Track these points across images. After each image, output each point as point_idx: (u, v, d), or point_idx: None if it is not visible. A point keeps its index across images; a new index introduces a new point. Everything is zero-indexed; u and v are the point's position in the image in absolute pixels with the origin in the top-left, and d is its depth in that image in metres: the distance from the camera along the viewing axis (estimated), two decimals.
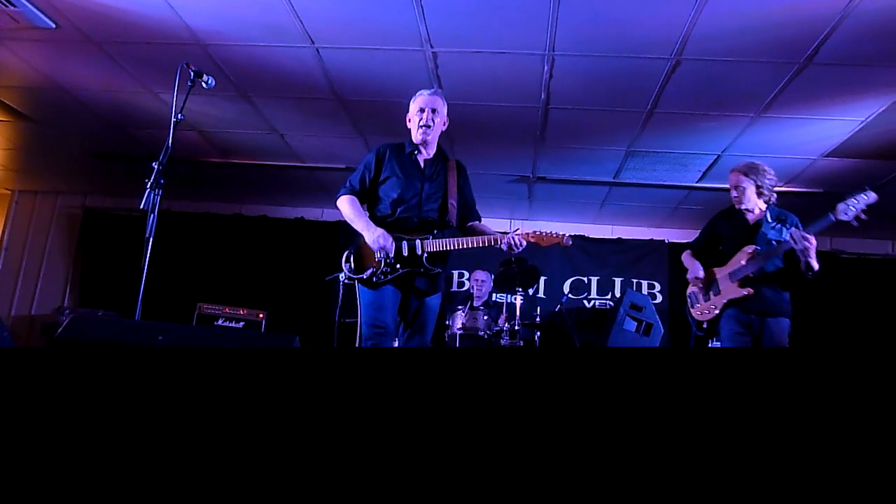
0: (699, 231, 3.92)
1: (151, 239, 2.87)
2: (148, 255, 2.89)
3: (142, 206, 2.85)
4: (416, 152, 3.08)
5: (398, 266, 2.96)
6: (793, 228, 3.33)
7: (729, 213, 3.72)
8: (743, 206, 3.58)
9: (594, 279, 7.36)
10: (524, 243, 2.93)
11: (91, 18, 3.99)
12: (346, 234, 7.46)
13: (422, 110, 3.04)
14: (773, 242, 3.49)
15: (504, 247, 2.93)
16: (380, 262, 2.96)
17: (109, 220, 7.79)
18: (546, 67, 4.18)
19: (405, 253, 2.96)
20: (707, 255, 3.77)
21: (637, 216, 7.23)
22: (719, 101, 4.48)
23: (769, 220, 3.55)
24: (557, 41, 3.88)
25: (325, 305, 6.97)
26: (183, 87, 3.09)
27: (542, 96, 4.57)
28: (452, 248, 2.96)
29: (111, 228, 7.73)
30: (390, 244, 2.93)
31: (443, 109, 3.09)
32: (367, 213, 3.07)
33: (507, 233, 2.96)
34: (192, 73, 3.16)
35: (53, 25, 4.06)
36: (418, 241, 2.98)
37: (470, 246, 2.94)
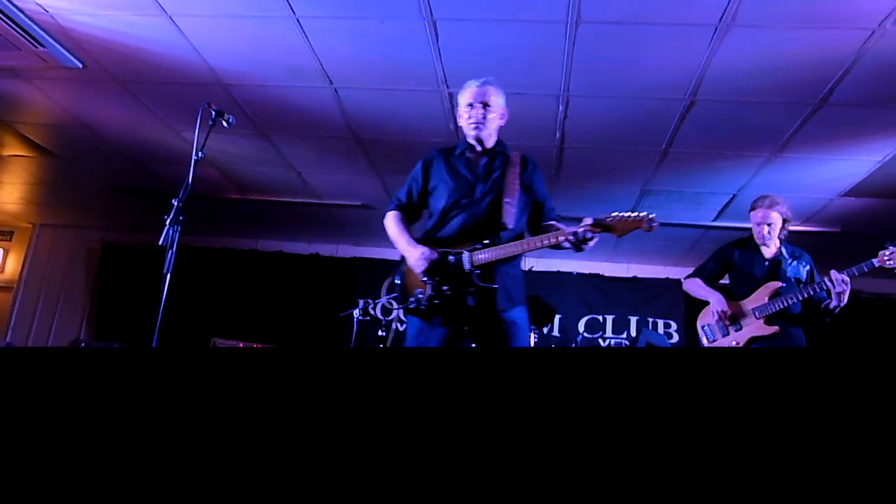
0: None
1: (169, 275, 2.87)
2: (165, 291, 2.88)
3: (161, 242, 2.86)
4: (466, 151, 2.68)
5: (444, 287, 2.53)
6: (832, 271, 3.17)
7: (741, 244, 3.59)
8: (766, 242, 3.47)
9: (609, 318, 7.30)
10: (595, 237, 2.41)
11: (117, 59, 4.06)
12: (362, 270, 7.54)
13: (470, 105, 2.63)
14: (793, 280, 3.43)
15: (567, 244, 2.44)
16: (426, 284, 2.55)
17: (128, 254, 7.85)
18: (561, 108, 4.19)
19: (451, 269, 2.53)
20: (712, 286, 3.60)
21: (653, 255, 7.18)
22: (735, 140, 4.44)
23: (786, 256, 3.46)
24: (572, 82, 3.87)
25: (340, 342, 6.96)
26: (204, 125, 3.09)
27: (557, 136, 4.58)
28: (506, 255, 2.50)
29: (129, 262, 7.78)
30: (435, 262, 2.51)
31: (497, 101, 2.66)
32: (424, 231, 2.70)
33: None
34: (213, 113, 3.17)
35: (80, 65, 4.12)
36: (465, 254, 2.54)
37: (525, 249, 2.49)
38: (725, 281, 3.67)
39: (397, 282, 2.71)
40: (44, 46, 3.95)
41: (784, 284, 3.40)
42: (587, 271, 7.44)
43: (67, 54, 4.03)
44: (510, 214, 2.56)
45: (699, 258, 6.90)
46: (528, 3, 3.27)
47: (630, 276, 7.54)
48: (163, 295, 2.91)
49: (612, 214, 2.38)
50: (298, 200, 6.30)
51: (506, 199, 2.57)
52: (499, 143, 2.71)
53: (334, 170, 5.52)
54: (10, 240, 8.31)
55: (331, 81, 4.11)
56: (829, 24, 3.24)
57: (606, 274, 7.48)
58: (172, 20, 3.66)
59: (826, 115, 4.00)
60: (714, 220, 6.00)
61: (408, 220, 2.75)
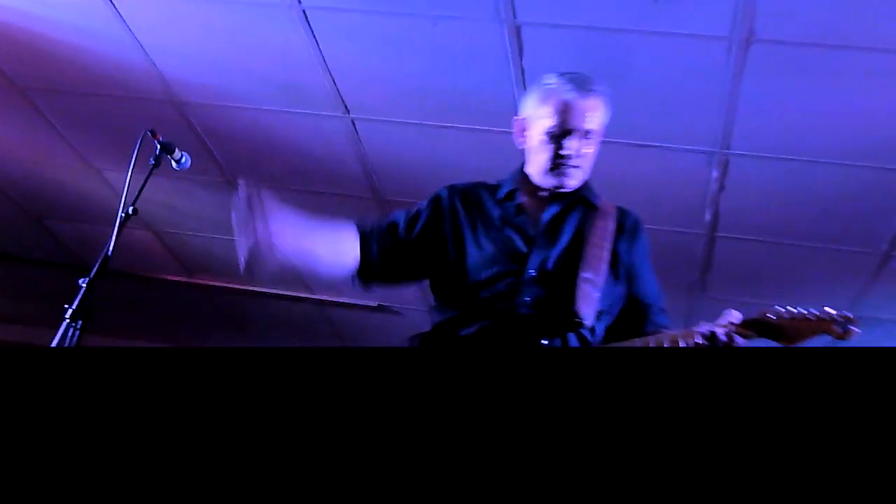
0: None
1: None
2: None
3: (53, 346, 2.77)
4: (519, 194, 2.50)
5: None
6: None
7: None
8: None
9: None
10: (739, 340, 2.21)
11: (15, 51, 4.06)
12: None
13: (563, 130, 2.39)
14: None
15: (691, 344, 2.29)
16: None
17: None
18: (715, 172, 4.16)
19: None
20: None
21: None
22: None
23: None
24: (735, 132, 3.84)
25: None
26: (142, 164, 3.06)
27: (707, 217, 4.51)
28: None
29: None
30: None
31: (604, 121, 2.49)
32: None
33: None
34: (157, 146, 3.14)
35: None
36: None
37: None
38: None
39: None
40: None
41: None
42: None
43: None
44: (589, 301, 2.35)
45: None
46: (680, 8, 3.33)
47: None
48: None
49: (779, 309, 2.16)
50: (280, 293, 6.20)
51: (584, 275, 2.37)
52: (585, 184, 2.54)
53: None
54: None
55: (346, 109, 4.11)
56: None
57: None
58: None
59: None
60: None
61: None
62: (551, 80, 2.45)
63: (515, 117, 2.56)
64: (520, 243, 2.43)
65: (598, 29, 3.45)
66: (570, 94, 2.39)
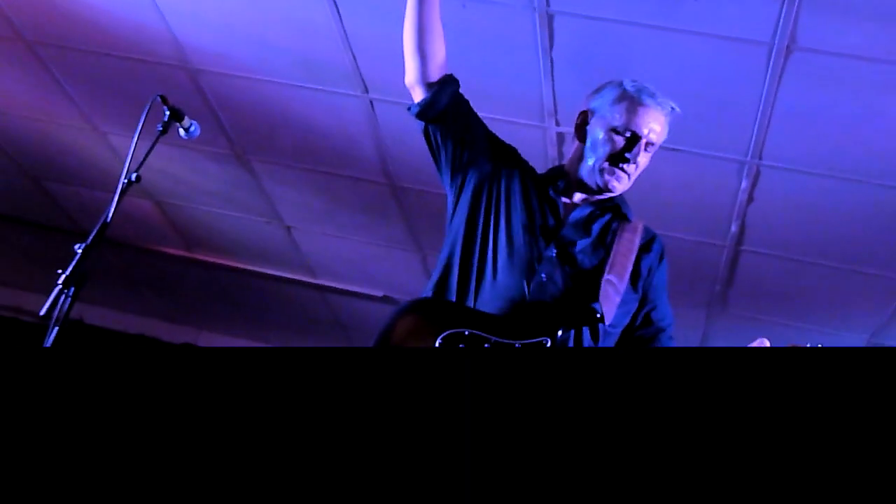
0: None
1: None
2: None
3: (41, 313, 2.69)
4: (561, 183, 2.58)
5: None
6: None
7: None
8: None
9: None
10: None
11: (25, 4, 4.04)
12: None
13: (631, 136, 2.47)
14: None
15: None
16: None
17: None
18: (744, 183, 4.15)
19: None
20: None
21: None
22: None
23: None
24: (768, 143, 3.86)
25: None
26: (149, 130, 3.02)
27: (733, 229, 4.48)
28: None
29: None
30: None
31: (664, 140, 2.58)
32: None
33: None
34: (166, 112, 3.10)
35: None
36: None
37: None
38: None
39: None
40: None
41: None
42: None
43: None
44: (611, 301, 2.41)
45: None
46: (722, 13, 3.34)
47: None
48: None
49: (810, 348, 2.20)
50: (280, 275, 6.17)
51: (608, 276, 2.43)
52: (620, 195, 2.65)
53: (348, 231, 5.47)
54: None
55: (366, 89, 4.11)
56: None
57: None
58: None
59: None
60: None
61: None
62: (630, 82, 2.51)
63: (586, 121, 2.59)
64: (547, 220, 2.50)
65: (634, 24, 3.43)
66: (648, 101, 2.47)
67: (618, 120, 2.47)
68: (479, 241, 2.51)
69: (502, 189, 2.57)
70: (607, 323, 2.39)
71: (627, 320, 2.52)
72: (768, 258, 4.67)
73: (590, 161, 2.50)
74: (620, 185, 2.50)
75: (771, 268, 4.74)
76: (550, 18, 3.47)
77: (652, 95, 2.48)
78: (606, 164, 2.48)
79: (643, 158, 2.49)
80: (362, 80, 4.03)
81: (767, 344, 2.19)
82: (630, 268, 2.47)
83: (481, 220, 2.53)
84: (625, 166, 2.46)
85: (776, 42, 3.32)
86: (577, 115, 2.61)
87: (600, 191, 2.52)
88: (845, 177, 3.91)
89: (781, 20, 3.22)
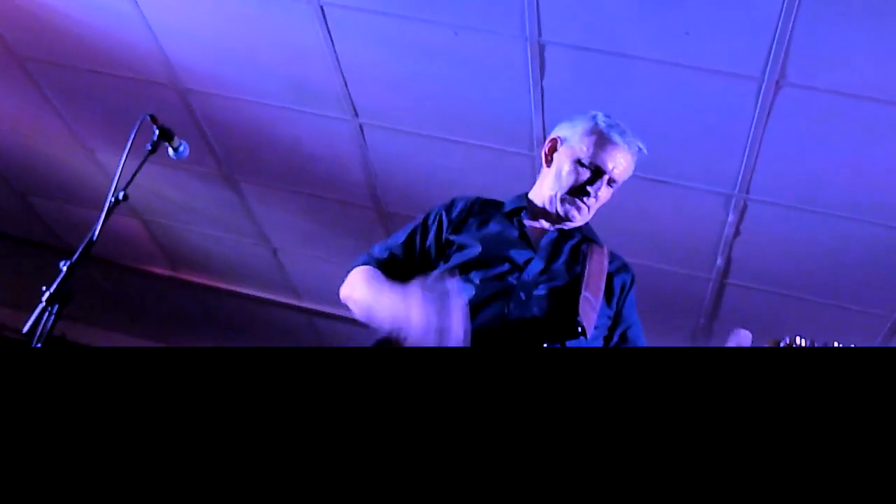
0: None
1: None
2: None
3: (25, 331, 2.71)
4: (525, 215, 2.62)
5: None
6: None
7: None
8: None
9: None
10: None
11: (17, 19, 4.04)
12: None
13: (596, 170, 2.52)
14: None
15: None
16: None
17: None
18: (731, 216, 4.15)
19: None
20: None
21: None
22: None
23: None
24: (756, 175, 3.86)
25: None
26: (138, 149, 3.04)
27: (719, 262, 4.49)
28: None
29: None
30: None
31: (626, 179, 2.64)
32: None
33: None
34: (156, 132, 3.13)
35: None
36: None
37: None
38: None
39: None
40: None
41: None
42: None
43: None
44: (589, 317, 2.44)
45: None
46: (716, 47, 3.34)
47: None
48: None
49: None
50: (265, 297, 6.20)
51: (585, 294, 2.47)
52: (586, 225, 2.72)
53: (335, 255, 5.36)
54: None
55: (356, 113, 4.13)
56: None
57: None
58: None
59: None
60: None
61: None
62: (603, 118, 2.56)
63: (551, 149, 2.63)
64: (521, 245, 2.53)
65: (625, 56, 3.44)
66: (616, 139, 2.51)
67: (585, 153, 2.51)
68: (456, 272, 2.51)
69: (465, 234, 2.59)
70: (588, 337, 2.41)
71: (603, 335, 2.55)
72: (754, 292, 4.69)
73: (553, 190, 2.55)
74: (580, 216, 2.55)
75: (756, 301, 4.76)
76: (542, 48, 3.48)
77: (622, 133, 2.53)
78: (567, 196, 2.53)
79: (604, 193, 2.55)
80: (352, 104, 4.03)
81: (749, 336, 2.17)
82: (603, 286, 2.51)
83: (454, 256, 2.54)
84: (585, 199, 2.52)
85: (766, 77, 3.34)
86: (547, 141, 2.67)
87: (560, 220, 2.56)
88: (831, 212, 3.92)
89: (772, 55, 3.25)
